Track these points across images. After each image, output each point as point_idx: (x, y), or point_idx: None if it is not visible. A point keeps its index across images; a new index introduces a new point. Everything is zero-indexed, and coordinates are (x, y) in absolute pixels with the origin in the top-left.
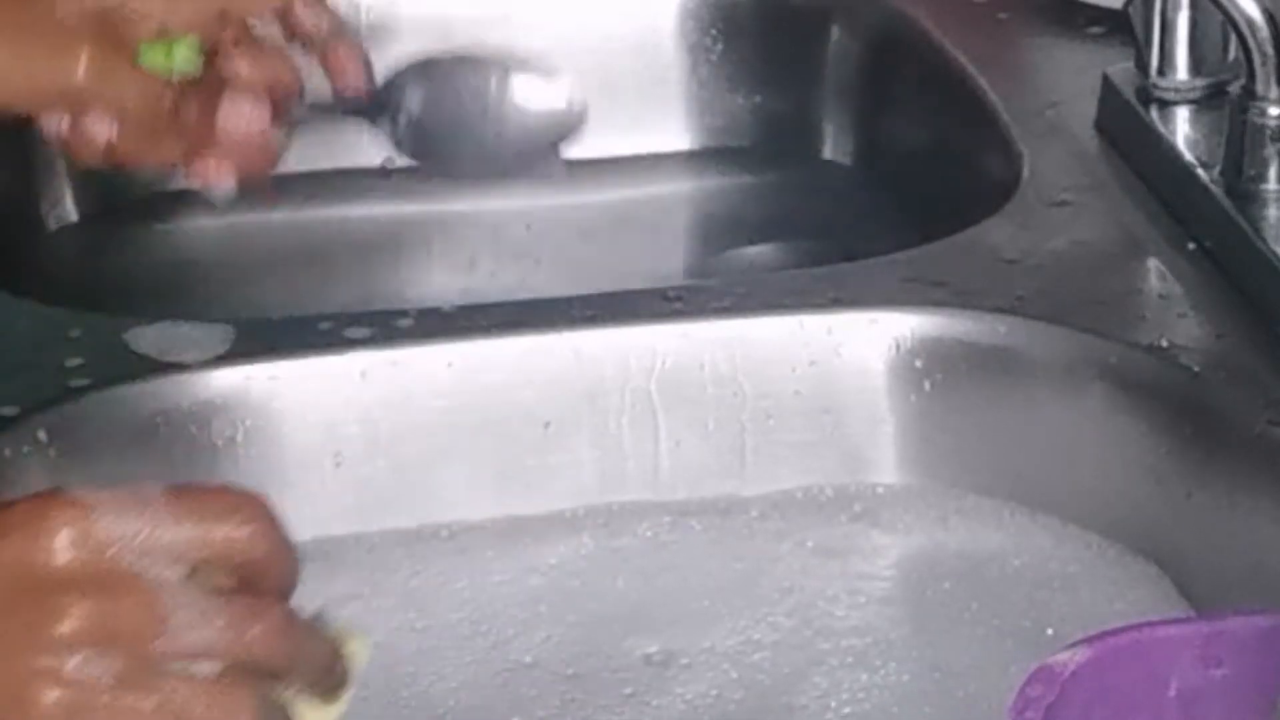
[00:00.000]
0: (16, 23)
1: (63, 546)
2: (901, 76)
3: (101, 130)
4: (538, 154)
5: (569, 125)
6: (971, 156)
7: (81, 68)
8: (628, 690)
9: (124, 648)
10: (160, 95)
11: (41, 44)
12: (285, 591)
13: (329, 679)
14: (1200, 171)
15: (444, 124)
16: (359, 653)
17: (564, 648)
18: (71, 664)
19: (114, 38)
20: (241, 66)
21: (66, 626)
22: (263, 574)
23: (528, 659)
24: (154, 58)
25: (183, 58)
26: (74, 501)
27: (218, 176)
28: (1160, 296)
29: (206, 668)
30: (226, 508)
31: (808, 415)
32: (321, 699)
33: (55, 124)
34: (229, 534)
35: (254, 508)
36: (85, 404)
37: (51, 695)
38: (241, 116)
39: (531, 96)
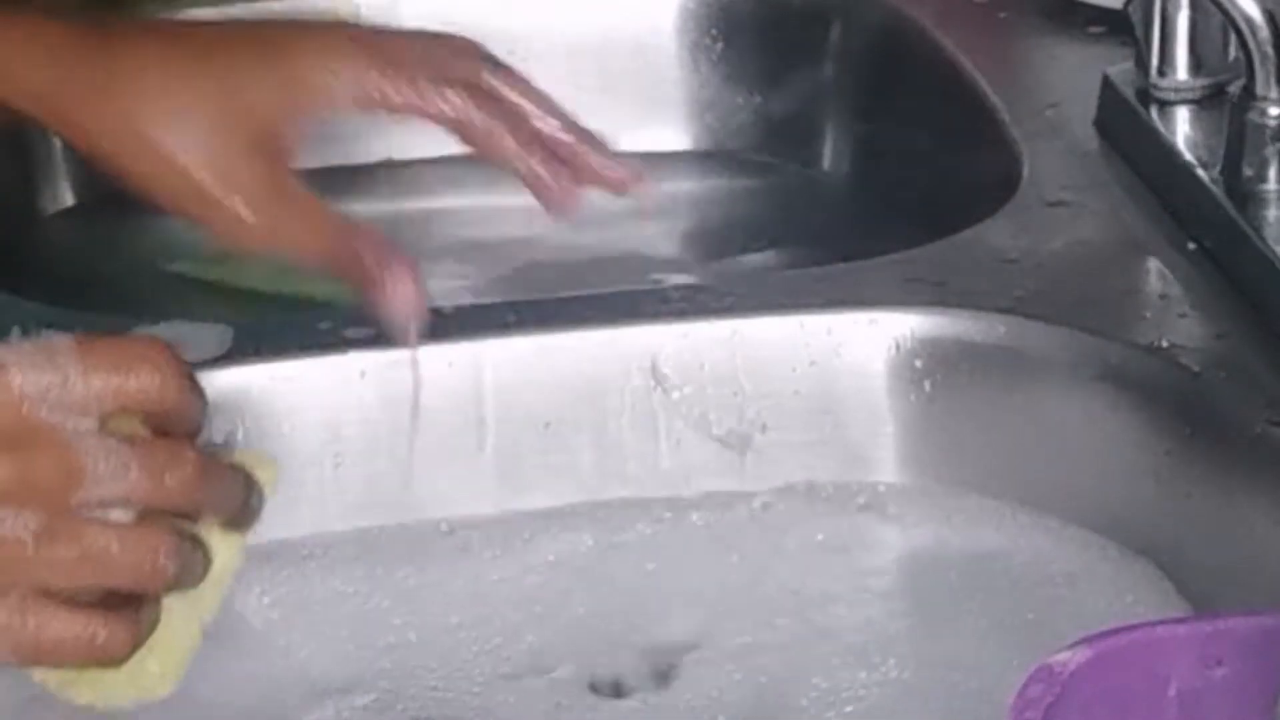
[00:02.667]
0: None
1: None
2: (901, 76)
3: None
4: None
5: None
6: (971, 157)
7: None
8: (625, 687)
9: (43, 502)
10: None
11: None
12: (194, 434)
13: (243, 512)
14: (1200, 171)
15: None
16: (267, 479)
17: (562, 646)
18: None
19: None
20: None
21: None
22: (173, 420)
23: (525, 658)
24: None
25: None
26: None
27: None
28: (1160, 296)
29: (122, 514)
30: (135, 358)
31: (808, 415)
32: (235, 529)
33: None
34: (139, 383)
35: (161, 356)
36: None
37: None
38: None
39: None
